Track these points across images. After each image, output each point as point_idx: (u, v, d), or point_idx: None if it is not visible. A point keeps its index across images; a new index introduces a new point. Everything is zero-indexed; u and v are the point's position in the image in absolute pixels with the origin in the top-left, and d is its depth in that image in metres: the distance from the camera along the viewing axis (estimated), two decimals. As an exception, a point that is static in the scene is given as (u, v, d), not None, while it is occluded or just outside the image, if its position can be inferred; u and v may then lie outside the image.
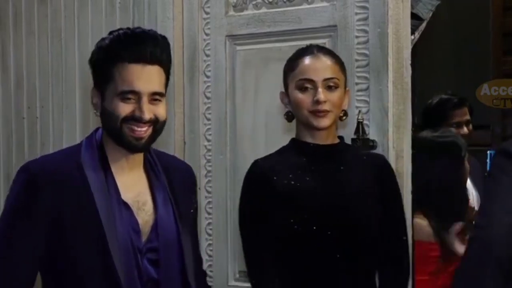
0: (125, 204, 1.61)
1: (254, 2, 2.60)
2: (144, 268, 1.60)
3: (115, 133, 1.60)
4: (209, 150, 2.69)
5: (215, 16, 2.66)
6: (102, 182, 1.59)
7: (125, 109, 1.58)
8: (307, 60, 1.93)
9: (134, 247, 1.59)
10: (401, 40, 2.38)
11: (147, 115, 1.58)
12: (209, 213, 2.68)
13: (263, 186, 1.92)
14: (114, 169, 1.62)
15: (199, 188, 2.67)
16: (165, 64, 1.63)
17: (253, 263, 1.95)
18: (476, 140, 3.54)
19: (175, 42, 2.69)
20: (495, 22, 4.86)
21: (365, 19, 2.38)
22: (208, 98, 2.69)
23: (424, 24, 3.32)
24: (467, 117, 3.07)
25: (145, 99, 1.59)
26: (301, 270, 1.90)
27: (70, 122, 3.00)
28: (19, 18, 3.12)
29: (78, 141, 2.96)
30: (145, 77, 1.59)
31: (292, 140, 2.00)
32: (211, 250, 2.67)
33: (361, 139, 2.31)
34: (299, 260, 1.89)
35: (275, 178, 1.91)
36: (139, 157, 1.68)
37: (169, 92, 2.65)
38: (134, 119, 1.59)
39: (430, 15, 3.27)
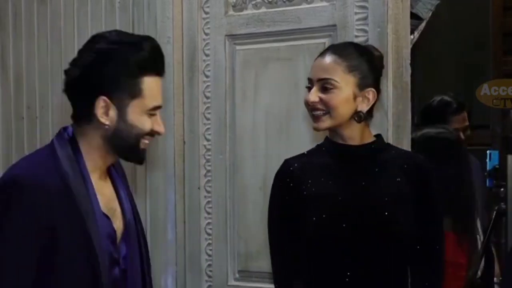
0: (105, 215, 1.57)
1: (253, 2, 2.60)
2: (120, 279, 1.58)
3: (131, 147, 1.55)
4: (208, 150, 2.69)
5: (215, 16, 2.66)
6: (85, 195, 1.52)
7: (149, 124, 1.55)
8: (316, 59, 1.88)
9: (113, 258, 1.57)
10: (400, 39, 2.38)
11: (163, 129, 1.58)
12: (208, 213, 2.67)
13: (292, 188, 1.88)
14: (92, 177, 1.56)
15: (199, 188, 2.68)
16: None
17: (279, 263, 1.91)
18: (476, 140, 3.55)
19: (175, 42, 2.69)
20: (495, 22, 4.86)
21: (365, 18, 2.38)
22: (207, 97, 2.69)
23: (423, 24, 3.32)
24: (466, 123, 3.06)
25: (159, 113, 1.58)
26: (327, 274, 1.85)
27: (69, 122, 2.96)
28: (18, 18, 3.11)
29: None
30: (161, 92, 1.58)
31: (326, 139, 1.93)
32: (210, 250, 2.67)
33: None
34: (325, 264, 1.85)
35: (304, 180, 1.87)
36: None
37: (169, 92, 2.68)
38: (151, 134, 1.57)
39: (430, 14, 3.27)
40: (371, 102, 1.87)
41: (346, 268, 1.82)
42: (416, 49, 3.38)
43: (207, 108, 2.69)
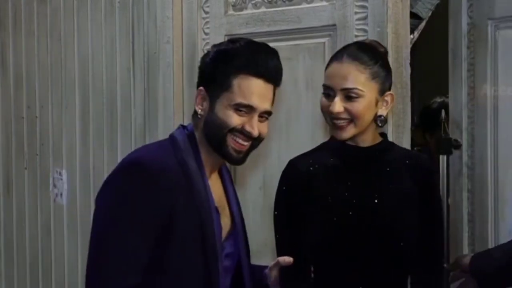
0: (216, 209, 1.61)
1: (253, 2, 2.60)
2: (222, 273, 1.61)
3: (218, 141, 1.60)
4: (208, 150, 2.69)
5: (215, 15, 2.66)
6: (201, 186, 1.58)
7: (237, 120, 1.59)
8: (332, 65, 1.85)
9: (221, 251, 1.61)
10: (400, 39, 2.38)
11: (257, 132, 1.60)
12: None
13: (300, 191, 1.86)
14: (205, 170, 1.62)
15: None
16: (279, 85, 1.65)
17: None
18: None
19: (175, 41, 2.69)
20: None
21: (365, 18, 2.38)
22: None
23: (423, 24, 3.33)
24: None
25: (256, 116, 1.60)
26: (334, 277, 1.85)
27: (69, 122, 3.00)
28: (18, 18, 3.13)
29: (77, 141, 3.00)
30: (263, 94, 1.61)
31: (332, 138, 1.91)
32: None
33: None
34: (333, 267, 1.84)
35: (311, 182, 1.85)
36: (220, 163, 1.68)
37: (169, 92, 2.68)
38: (243, 133, 1.59)
39: (430, 14, 3.28)
40: (390, 105, 1.87)
41: (354, 272, 1.81)
42: (415, 48, 3.38)
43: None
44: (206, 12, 2.68)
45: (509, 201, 2.29)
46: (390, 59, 2.36)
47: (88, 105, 2.94)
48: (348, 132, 1.83)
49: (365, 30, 2.38)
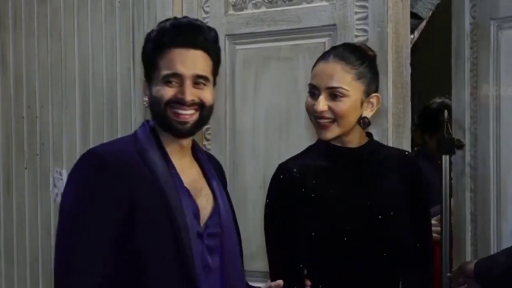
0: (187, 190, 1.62)
1: (253, 2, 2.60)
2: (203, 253, 1.61)
3: (161, 118, 1.62)
4: (208, 150, 2.66)
5: (215, 15, 2.66)
6: (164, 168, 1.59)
7: (168, 92, 1.61)
8: (318, 64, 1.85)
9: (197, 233, 1.60)
10: (400, 39, 2.38)
11: (189, 97, 1.60)
12: None
13: (290, 194, 1.86)
14: (173, 157, 1.63)
15: None
16: (210, 50, 1.65)
17: (277, 269, 1.89)
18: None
19: (175, 41, 2.69)
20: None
21: (365, 18, 2.38)
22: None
23: (423, 23, 3.33)
24: None
25: (188, 82, 1.60)
26: (328, 278, 1.84)
27: (69, 122, 3.00)
28: (18, 18, 3.13)
29: (77, 141, 3.01)
30: (188, 61, 1.62)
31: (320, 140, 1.91)
32: (210, 250, 2.67)
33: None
34: (327, 268, 1.84)
35: (302, 185, 1.85)
36: (188, 144, 1.69)
37: (169, 92, 2.68)
38: (176, 101, 1.60)
39: (430, 14, 3.28)
40: (375, 107, 1.86)
41: (348, 272, 1.82)
42: (416, 48, 3.38)
43: (208, 107, 2.68)
44: (206, 12, 2.68)
45: (511, 201, 2.29)
46: (390, 59, 2.37)
47: (88, 105, 2.95)
48: (332, 132, 1.82)
49: (365, 30, 2.39)
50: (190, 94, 1.60)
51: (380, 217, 1.82)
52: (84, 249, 1.52)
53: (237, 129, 2.63)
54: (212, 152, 2.68)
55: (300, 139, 2.44)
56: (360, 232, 1.81)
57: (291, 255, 1.85)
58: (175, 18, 1.69)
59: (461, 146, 2.38)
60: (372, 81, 1.85)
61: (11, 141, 3.17)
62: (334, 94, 1.80)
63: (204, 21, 2.68)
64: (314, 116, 1.83)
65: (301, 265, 1.85)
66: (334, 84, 1.80)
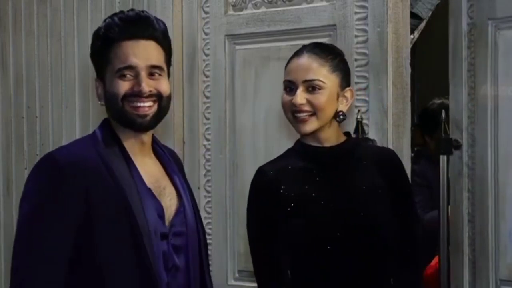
0: (149, 190, 1.59)
1: (253, 2, 2.61)
2: (169, 253, 1.58)
3: (119, 113, 1.58)
4: (208, 150, 2.70)
5: (215, 15, 2.67)
6: (125, 169, 1.56)
7: (124, 86, 1.57)
8: (292, 61, 1.87)
9: (159, 232, 1.57)
10: (400, 39, 2.38)
11: (146, 88, 1.56)
12: (208, 213, 2.68)
13: (269, 196, 1.86)
14: (134, 156, 1.60)
15: (198, 188, 2.68)
16: (161, 41, 1.62)
17: (261, 271, 1.90)
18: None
19: (174, 41, 2.65)
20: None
21: (365, 18, 2.39)
22: (207, 97, 2.69)
23: (423, 24, 3.33)
24: None
25: (143, 74, 1.57)
26: (312, 278, 1.84)
27: (69, 122, 3.01)
28: (18, 18, 3.13)
29: None
30: (141, 52, 1.58)
31: (297, 142, 1.93)
32: (210, 250, 2.65)
33: (361, 138, 2.31)
34: (310, 268, 1.84)
35: (281, 186, 1.85)
36: (149, 140, 1.66)
37: (168, 91, 2.68)
38: (134, 94, 1.57)
39: (430, 14, 3.28)
40: (349, 101, 1.88)
41: (332, 271, 1.81)
42: (416, 48, 3.38)
43: (207, 107, 2.69)
44: (206, 12, 2.69)
45: (510, 201, 2.28)
46: (390, 59, 2.38)
47: (88, 105, 2.95)
48: (311, 125, 1.83)
49: (365, 30, 2.40)
50: (147, 85, 1.56)
51: (361, 214, 1.82)
52: (40, 257, 1.49)
53: (237, 128, 2.64)
54: (212, 152, 2.70)
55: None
56: (340, 231, 1.81)
57: (272, 258, 1.86)
58: (121, 11, 1.64)
59: (458, 146, 2.37)
60: (345, 75, 1.87)
61: (11, 141, 3.17)
62: (312, 87, 1.82)
63: (204, 22, 2.70)
64: (292, 111, 1.84)
65: (288, 270, 1.84)
66: (311, 77, 1.82)
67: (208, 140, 2.69)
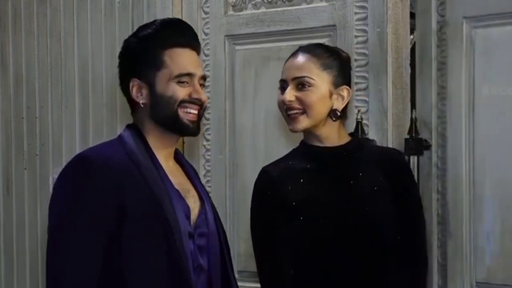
0: (177, 191, 1.63)
1: (253, 2, 2.62)
2: (195, 253, 1.62)
3: (171, 118, 1.62)
4: (208, 150, 2.70)
5: (215, 15, 2.68)
6: (153, 170, 1.60)
7: (182, 92, 1.62)
8: (287, 61, 1.89)
9: (187, 232, 1.61)
10: (400, 39, 2.39)
11: (203, 96, 1.64)
12: None
13: (272, 196, 1.88)
14: (160, 160, 1.64)
15: None
16: (199, 53, 1.70)
17: (265, 272, 1.91)
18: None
19: (175, 41, 2.70)
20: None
21: (364, 18, 2.40)
22: (207, 97, 2.69)
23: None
24: None
25: (196, 82, 1.64)
26: (313, 278, 1.84)
27: (69, 122, 3.01)
28: (18, 18, 3.13)
29: (77, 141, 3.01)
30: (193, 61, 1.66)
31: (301, 142, 1.93)
32: (210, 250, 2.67)
33: (360, 138, 2.31)
34: (311, 268, 1.84)
35: (283, 187, 1.86)
36: (174, 147, 1.70)
37: (169, 92, 2.68)
38: (191, 101, 1.62)
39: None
40: (346, 100, 1.87)
41: (335, 271, 1.82)
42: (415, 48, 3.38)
43: (207, 107, 2.68)
44: (206, 13, 2.70)
45: (488, 202, 2.23)
46: (390, 59, 2.38)
47: (88, 105, 2.96)
48: (301, 123, 1.83)
49: (365, 31, 2.41)
50: (202, 93, 1.65)
51: (362, 214, 1.82)
52: (75, 257, 1.51)
53: (237, 129, 2.65)
54: (212, 152, 2.70)
55: (299, 139, 2.44)
56: (342, 232, 1.81)
57: (277, 257, 1.87)
58: (170, 19, 1.71)
59: (428, 146, 2.31)
60: (340, 73, 1.86)
61: (11, 142, 3.17)
62: (301, 84, 1.82)
63: (204, 22, 2.71)
64: (284, 109, 1.85)
65: (291, 271, 1.85)
66: (299, 74, 1.82)
67: (208, 140, 2.69)
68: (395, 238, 1.85)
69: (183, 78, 1.62)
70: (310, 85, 1.82)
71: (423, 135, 2.33)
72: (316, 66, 1.83)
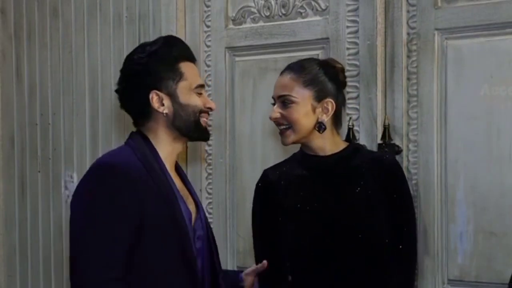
0: (181, 196, 1.68)
1: (252, 16, 2.64)
2: (197, 255, 1.67)
3: (194, 125, 1.68)
4: (210, 154, 2.73)
5: (216, 29, 2.70)
6: (165, 180, 1.64)
7: (201, 101, 1.70)
8: (277, 78, 1.94)
9: (191, 235, 1.67)
10: (389, 51, 2.37)
11: (214, 105, 1.75)
12: (209, 213, 2.71)
13: (270, 198, 1.91)
14: (165, 164, 1.69)
15: (200, 190, 2.72)
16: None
17: (265, 271, 1.89)
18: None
19: (178, 53, 2.77)
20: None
21: (356, 32, 2.42)
22: (209, 106, 2.75)
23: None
24: None
25: (204, 93, 1.74)
26: (311, 281, 1.87)
27: (80, 128, 3.05)
28: (32, 32, 3.16)
29: (88, 146, 3.03)
30: (198, 73, 1.75)
31: (300, 148, 1.95)
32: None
33: (355, 144, 2.34)
34: (307, 271, 1.87)
35: (279, 190, 1.91)
36: (177, 156, 1.76)
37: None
38: (207, 111, 1.72)
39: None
40: (331, 112, 1.89)
41: (330, 276, 1.85)
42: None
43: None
44: (208, 26, 2.73)
45: (460, 204, 2.23)
46: (379, 70, 2.36)
47: (97, 112, 2.99)
48: (288, 138, 1.88)
49: (356, 43, 2.42)
50: (213, 104, 1.76)
51: (353, 221, 1.83)
52: (101, 255, 1.53)
53: (236, 135, 2.68)
54: (213, 156, 2.72)
55: (293, 145, 2.53)
56: (331, 238, 1.83)
57: (275, 257, 1.90)
58: (172, 36, 1.79)
59: (399, 151, 2.31)
60: (324, 87, 1.88)
61: (26, 146, 3.19)
62: (284, 102, 1.87)
63: (206, 35, 2.71)
64: (275, 124, 1.91)
65: (289, 276, 1.89)
66: (282, 92, 1.88)
67: (209, 145, 2.72)
68: (384, 245, 1.87)
69: (200, 89, 1.71)
70: (291, 102, 1.86)
71: (395, 141, 2.33)
72: (298, 83, 1.87)
